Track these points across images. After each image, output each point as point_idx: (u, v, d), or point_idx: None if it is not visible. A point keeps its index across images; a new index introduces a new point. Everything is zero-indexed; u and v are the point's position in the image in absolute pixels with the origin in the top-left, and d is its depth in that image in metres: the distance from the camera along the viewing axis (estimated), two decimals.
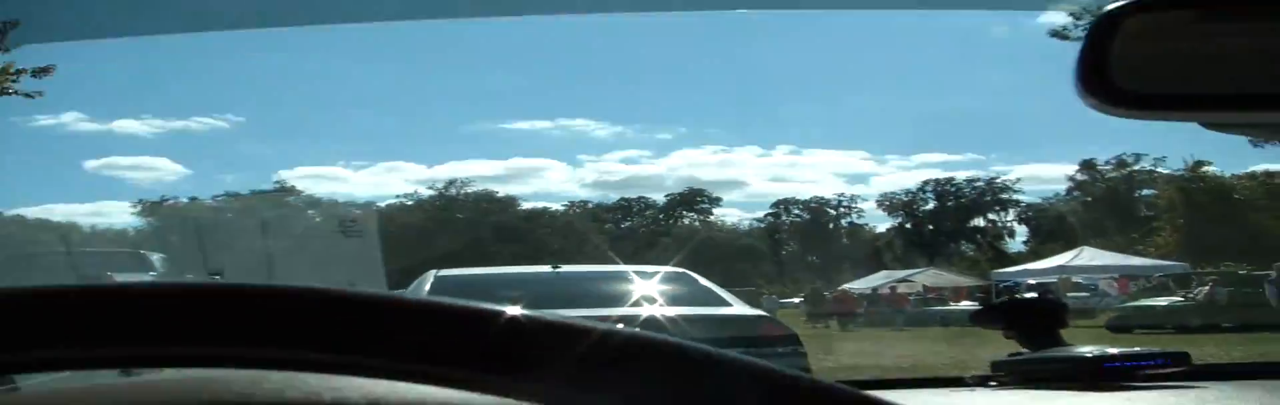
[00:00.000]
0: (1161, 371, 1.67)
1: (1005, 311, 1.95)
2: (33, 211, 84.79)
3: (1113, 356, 1.68)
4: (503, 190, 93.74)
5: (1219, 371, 1.78)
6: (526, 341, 0.60)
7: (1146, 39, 1.08)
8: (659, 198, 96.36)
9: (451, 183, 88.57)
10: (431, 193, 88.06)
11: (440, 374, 0.60)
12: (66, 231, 72.60)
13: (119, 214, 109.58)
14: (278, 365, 0.61)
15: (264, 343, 0.59)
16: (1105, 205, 78.79)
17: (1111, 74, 1.08)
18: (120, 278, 20.15)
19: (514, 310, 0.61)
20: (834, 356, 17.62)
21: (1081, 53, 1.09)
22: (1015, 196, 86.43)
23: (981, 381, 1.85)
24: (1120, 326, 24.50)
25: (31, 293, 0.58)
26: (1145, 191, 76.87)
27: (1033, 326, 1.90)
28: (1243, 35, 1.08)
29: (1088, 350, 1.72)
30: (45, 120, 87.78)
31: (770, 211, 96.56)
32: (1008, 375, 1.81)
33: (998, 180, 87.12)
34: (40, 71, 16.01)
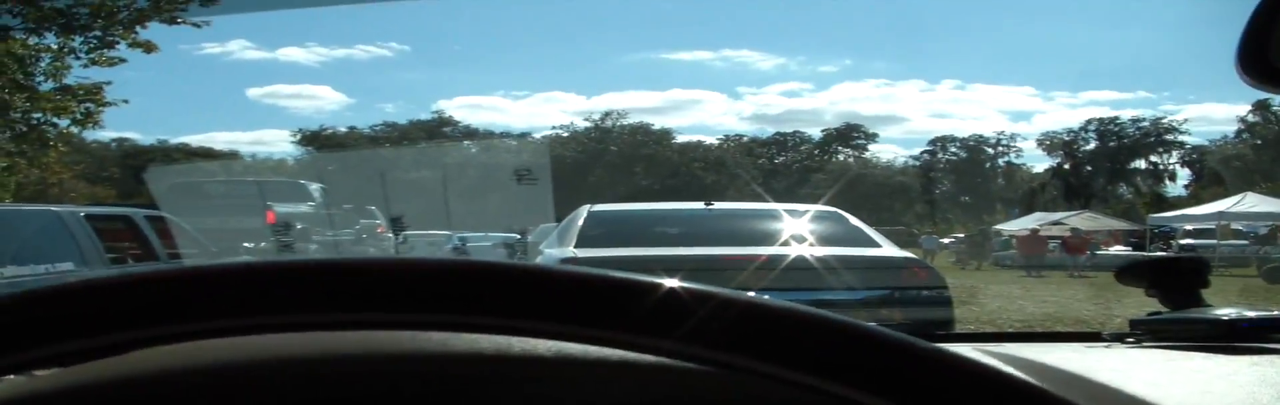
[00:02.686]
0: None
1: (1148, 270, 1.96)
2: (197, 139, 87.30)
3: (1248, 319, 1.69)
4: (659, 122, 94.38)
5: None
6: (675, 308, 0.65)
7: None
8: (815, 132, 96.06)
9: (608, 114, 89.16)
10: (587, 124, 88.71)
11: (604, 337, 0.66)
12: (229, 160, 74.47)
13: (279, 143, 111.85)
14: (485, 329, 0.69)
15: (470, 311, 0.65)
16: (1276, 149, 76.66)
17: (1272, 55, 1.09)
18: (281, 208, 20.66)
19: (671, 282, 0.66)
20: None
21: (1244, 32, 1.10)
22: (1181, 138, 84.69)
23: (1119, 338, 1.86)
24: (1277, 277, 23.70)
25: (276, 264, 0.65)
26: None
27: (1174, 286, 1.91)
28: None
29: (1224, 312, 1.73)
30: (212, 48, 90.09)
31: (927, 149, 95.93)
32: (1145, 334, 1.83)
33: (1164, 120, 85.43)
34: (208, 1, 16.35)
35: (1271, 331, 1.64)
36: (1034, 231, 36.08)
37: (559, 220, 10.10)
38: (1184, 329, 1.71)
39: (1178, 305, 1.81)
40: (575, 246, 7.79)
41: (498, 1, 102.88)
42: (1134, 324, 1.81)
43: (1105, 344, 1.79)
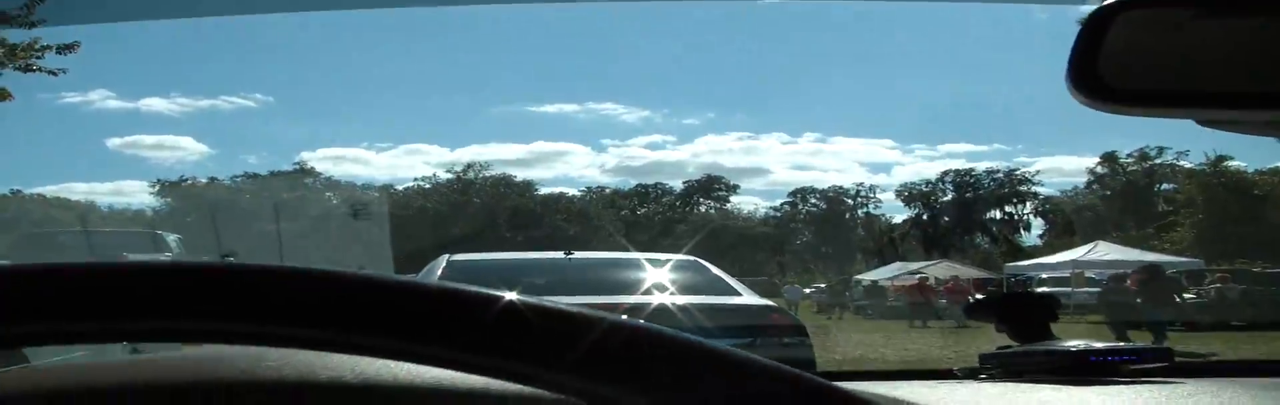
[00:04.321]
0: (1143, 367, 1.70)
1: (997, 305, 1.97)
2: (52, 190, 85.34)
3: (1096, 351, 1.71)
4: (523, 174, 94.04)
5: (1200, 368, 1.81)
6: (521, 326, 0.62)
7: (1138, 35, 1.10)
8: (677, 184, 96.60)
9: (470, 166, 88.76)
10: (450, 176, 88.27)
11: (433, 354, 0.63)
12: (84, 210, 72.98)
13: (138, 193, 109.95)
14: (282, 342, 0.63)
15: (266, 320, 0.61)
16: (1124, 199, 78.57)
17: (1101, 70, 1.10)
18: (137, 259, 20.27)
19: (511, 295, 0.63)
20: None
21: (1073, 48, 1.11)
22: (1034, 189, 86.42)
23: (971, 374, 1.87)
24: (1130, 322, 24.22)
25: (47, 269, 0.61)
26: (1166, 186, 76.60)
27: (1023, 320, 1.92)
28: (1233, 33, 1.10)
29: (1073, 344, 1.75)
30: (72, 97, 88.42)
31: (788, 200, 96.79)
32: (995, 368, 1.84)
33: (1017, 172, 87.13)
34: (65, 48, 16.05)
35: (1120, 363, 1.66)
36: (922, 280, 36.12)
37: (397, 268, 9.96)
38: (1033, 362, 1.72)
39: (1027, 339, 1.82)
40: None
41: (364, 54, 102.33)
42: (984, 358, 1.82)
43: (958, 380, 1.79)
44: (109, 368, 0.92)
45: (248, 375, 0.88)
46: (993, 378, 1.78)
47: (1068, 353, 1.70)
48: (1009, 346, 1.85)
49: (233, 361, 0.91)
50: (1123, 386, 1.51)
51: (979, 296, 32.21)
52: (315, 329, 0.61)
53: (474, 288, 0.64)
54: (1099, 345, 1.71)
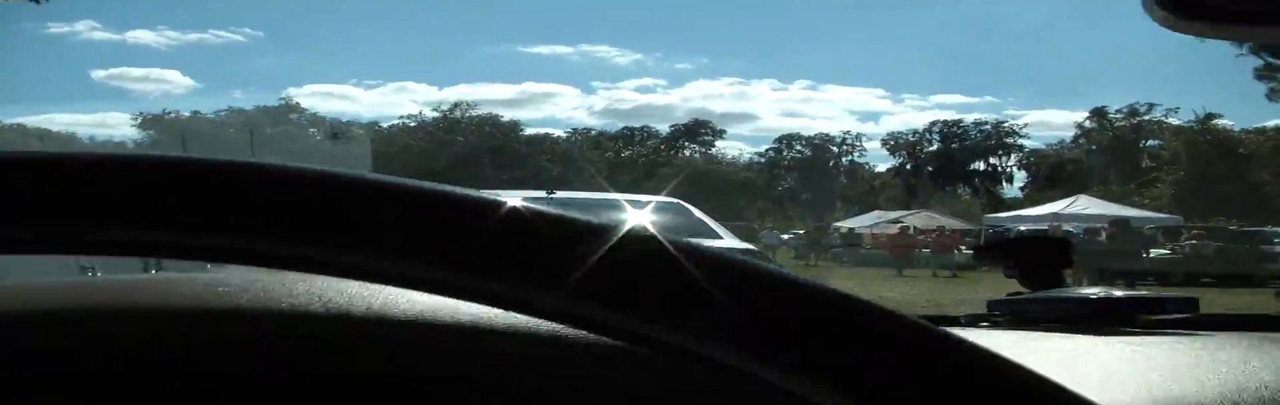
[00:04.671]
0: (1166, 318, 1.60)
1: (1008, 248, 1.86)
2: (34, 120, 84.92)
3: (1116, 299, 1.59)
4: (510, 115, 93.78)
5: (1227, 322, 1.71)
6: (528, 238, 0.49)
7: None
8: (664, 128, 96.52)
9: (457, 105, 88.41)
10: (436, 115, 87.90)
11: (409, 274, 0.49)
12: (65, 142, 72.59)
13: (122, 126, 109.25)
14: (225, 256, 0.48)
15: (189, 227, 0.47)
16: (1110, 154, 78.69)
17: None
18: None
19: (515, 201, 0.50)
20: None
21: None
22: (1020, 141, 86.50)
23: (975, 321, 1.77)
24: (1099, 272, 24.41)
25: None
26: (1152, 142, 76.71)
27: (1035, 265, 1.81)
28: None
29: (1091, 292, 1.63)
30: (57, 28, 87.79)
31: (773, 147, 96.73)
32: (1003, 315, 1.73)
33: (1005, 124, 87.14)
34: None
35: (1141, 313, 1.56)
36: (903, 229, 35.95)
37: None
38: (1045, 310, 1.62)
39: (1039, 286, 1.72)
40: None
41: None
42: (992, 305, 1.72)
43: (962, 328, 1.70)
44: (37, 289, 0.79)
45: (199, 302, 0.76)
46: (999, 326, 1.68)
47: (1085, 300, 1.59)
48: (1020, 293, 1.75)
49: (183, 286, 0.79)
50: (1141, 337, 1.41)
51: (981, 243, 31.91)
52: (267, 239, 0.47)
53: (465, 190, 0.50)
54: (1119, 293, 1.60)
